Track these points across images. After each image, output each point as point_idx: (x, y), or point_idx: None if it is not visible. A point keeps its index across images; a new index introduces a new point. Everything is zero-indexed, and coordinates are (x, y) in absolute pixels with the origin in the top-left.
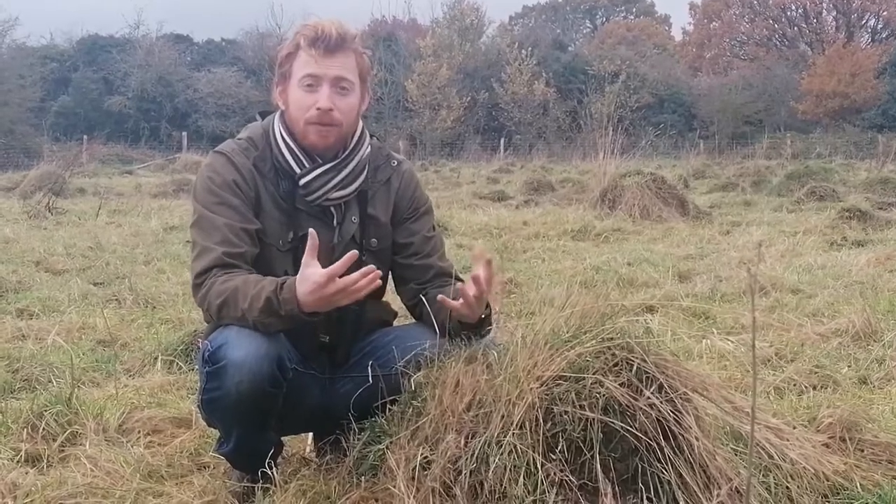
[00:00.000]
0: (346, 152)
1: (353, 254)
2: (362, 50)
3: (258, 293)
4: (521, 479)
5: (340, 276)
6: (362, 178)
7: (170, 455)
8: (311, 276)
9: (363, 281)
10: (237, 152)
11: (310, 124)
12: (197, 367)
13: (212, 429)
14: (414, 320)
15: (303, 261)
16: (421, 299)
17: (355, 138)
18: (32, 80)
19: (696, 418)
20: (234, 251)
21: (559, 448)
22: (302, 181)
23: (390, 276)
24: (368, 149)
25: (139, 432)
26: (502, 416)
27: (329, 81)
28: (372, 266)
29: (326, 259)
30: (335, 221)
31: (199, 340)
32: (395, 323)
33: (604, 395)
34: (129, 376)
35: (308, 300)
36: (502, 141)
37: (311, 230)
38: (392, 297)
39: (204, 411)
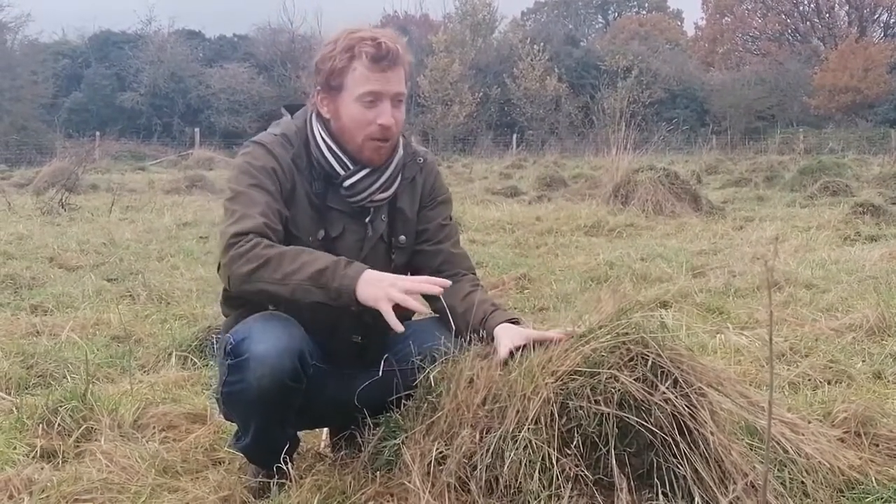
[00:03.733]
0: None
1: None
2: (409, 57)
3: (313, 260)
4: (537, 474)
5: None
6: (400, 178)
7: (185, 450)
8: (385, 276)
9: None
10: (276, 144)
11: (370, 140)
12: (214, 360)
13: (228, 424)
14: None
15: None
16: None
17: None
18: (45, 77)
19: (711, 413)
20: (273, 227)
21: (574, 443)
22: (347, 182)
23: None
24: (402, 150)
25: (154, 428)
26: (517, 411)
27: (390, 97)
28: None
29: (356, 255)
30: (367, 219)
31: (214, 335)
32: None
33: (619, 390)
34: (144, 372)
35: (364, 288)
36: (514, 136)
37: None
38: None
39: (224, 404)
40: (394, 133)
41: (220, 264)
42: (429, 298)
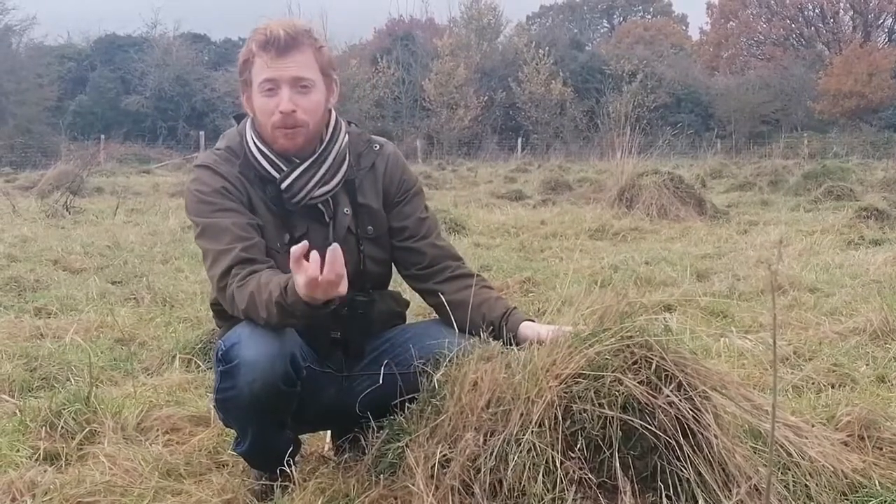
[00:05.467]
0: (322, 147)
1: (333, 251)
2: (320, 43)
3: (269, 300)
4: (541, 477)
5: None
6: (344, 169)
7: (188, 453)
8: (299, 283)
9: (333, 269)
10: (220, 162)
11: (276, 128)
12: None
13: (229, 428)
14: (426, 306)
15: (291, 267)
16: (431, 289)
17: (329, 131)
18: (50, 80)
19: (715, 416)
20: (249, 244)
21: (578, 446)
22: (283, 185)
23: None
24: (346, 138)
25: (157, 431)
26: (521, 415)
27: (287, 83)
28: (334, 245)
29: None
30: (327, 217)
31: (218, 338)
32: (409, 311)
33: (623, 394)
34: (148, 375)
35: (310, 299)
36: (519, 140)
37: (305, 242)
38: (409, 291)
39: (219, 411)
40: (300, 119)
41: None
42: (427, 295)
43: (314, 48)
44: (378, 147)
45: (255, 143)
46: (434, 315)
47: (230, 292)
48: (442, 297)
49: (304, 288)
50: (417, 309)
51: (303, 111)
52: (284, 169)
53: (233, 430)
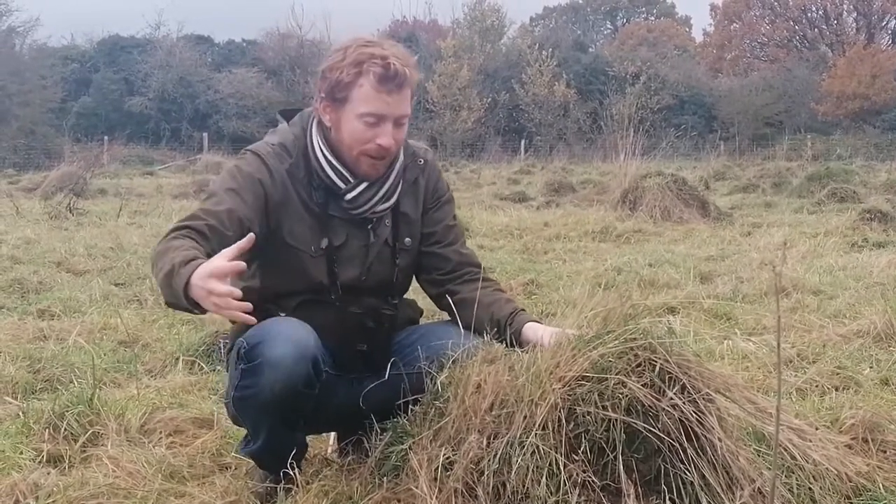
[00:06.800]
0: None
1: (247, 240)
2: (417, 77)
3: (174, 257)
4: (544, 479)
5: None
6: (401, 186)
7: (191, 456)
8: (205, 265)
9: (229, 305)
10: (272, 155)
11: (365, 156)
12: (221, 365)
13: (235, 429)
14: (437, 308)
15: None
16: (447, 290)
17: None
18: (53, 81)
19: (718, 419)
20: (220, 231)
21: (582, 449)
22: (348, 196)
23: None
24: (402, 157)
25: (161, 433)
26: (525, 417)
27: (393, 119)
28: (237, 293)
29: (361, 261)
30: (370, 226)
31: (222, 340)
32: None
33: (627, 396)
34: (151, 377)
35: (192, 286)
36: (523, 142)
37: (251, 236)
38: (418, 294)
39: (235, 408)
40: (392, 153)
41: None
42: (440, 299)
43: (414, 83)
44: (422, 162)
45: (322, 151)
46: (443, 316)
47: (160, 240)
48: (453, 295)
49: (202, 271)
50: (427, 312)
51: (396, 144)
52: (351, 181)
53: (237, 432)
